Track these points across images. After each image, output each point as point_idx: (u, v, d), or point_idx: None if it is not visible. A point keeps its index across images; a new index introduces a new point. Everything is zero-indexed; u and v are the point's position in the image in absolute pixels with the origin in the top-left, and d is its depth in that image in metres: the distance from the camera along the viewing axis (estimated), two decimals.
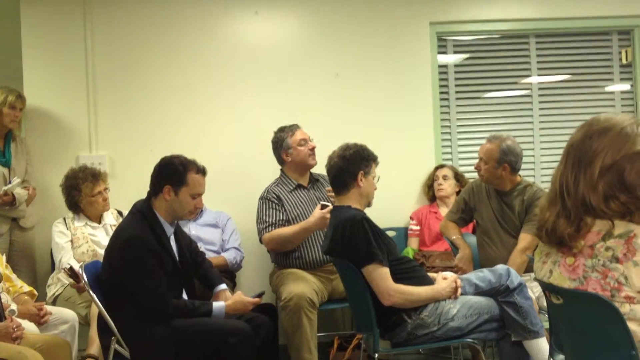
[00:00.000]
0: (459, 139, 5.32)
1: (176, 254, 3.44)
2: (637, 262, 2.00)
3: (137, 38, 4.96)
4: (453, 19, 5.23)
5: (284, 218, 4.24)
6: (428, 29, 5.17)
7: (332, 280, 4.21)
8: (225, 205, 4.76)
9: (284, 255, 4.26)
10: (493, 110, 5.36)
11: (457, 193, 4.79)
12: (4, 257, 3.81)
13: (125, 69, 4.95)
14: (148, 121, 4.95)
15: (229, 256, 4.48)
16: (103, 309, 3.17)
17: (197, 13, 4.99)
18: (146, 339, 3.18)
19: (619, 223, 2.06)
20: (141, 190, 3.50)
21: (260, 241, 4.31)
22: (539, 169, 5.32)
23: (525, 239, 3.95)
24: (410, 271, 3.38)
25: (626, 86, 5.41)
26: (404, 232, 5.02)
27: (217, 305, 3.37)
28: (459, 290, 3.32)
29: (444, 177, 4.93)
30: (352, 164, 3.44)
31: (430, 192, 5.03)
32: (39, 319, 3.51)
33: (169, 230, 3.42)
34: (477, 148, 4.27)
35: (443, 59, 5.29)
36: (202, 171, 3.44)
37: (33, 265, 4.64)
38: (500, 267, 3.42)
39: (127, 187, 4.52)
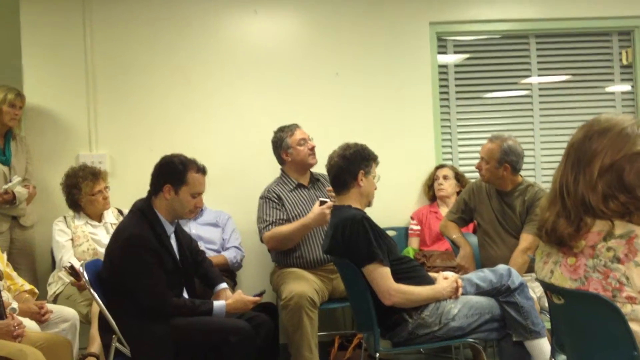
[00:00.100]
0: (459, 139, 5.31)
1: (177, 253, 3.44)
2: (638, 262, 2.01)
3: (137, 36, 4.96)
4: (453, 19, 5.23)
5: (284, 217, 4.25)
6: (428, 29, 5.16)
7: (333, 279, 4.21)
8: (226, 205, 4.76)
9: (285, 255, 4.26)
10: (493, 110, 5.36)
11: (458, 193, 4.79)
12: (4, 256, 3.81)
13: (125, 68, 4.95)
14: (148, 120, 4.95)
15: (230, 255, 4.48)
16: (104, 308, 3.17)
17: (197, 12, 4.99)
18: (147, 337, 3.18)
19: (619, 223, 2.06)
20: (141, 189, 3.49)
21: (261, 240, 4.31)
22: (540, 170, 5.32)
23: (526, 239, 3.96)
24: (410, 271, 3.38)
25: (627, 87, 5.41)
26: (404, 232, 5.02)
27: (218, 304, 3.37)
28: (460, 290, 3.33)
29: (445, 177, 4.93)
30: (353, 164, 3.44)
31: (431, 192, 5.03)
32: (40, 317, 3.50)
33: (170, 229, 3.43)
34: (478, 148, 4.27)
35: (443, 59, 5.29)
36: (202, 170, 3.45)
37: (33, 264, 4.64)
38: (501, 267, 3.42)
39: (128, 186, 4.51)
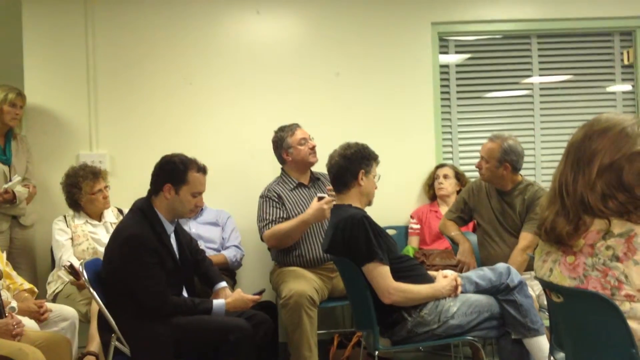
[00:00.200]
0: (460, 138, 5.31)
1: (176, 252, 3.44)
2: (637, 260, 2.01)
3: (138, 36, 4.97)
4: (455, 19, 5.22)
5: (284, 216, 4.25)
6: (430, 29, 5.16)
7: (333, 278, 4.21)
8: (226, 204, 4.77)
9: (285, 253, 4.26)
10: (494, 110, 5.35)
11: (458, 192, 4.79)
12: (4, 255, 3.81)
13: (126, 67, 4.95)
14: (149, 119, 4.95)
15: (229, 254, 4.48)
16: (103, 307, 3.17)
17: (198, 12, 5.00)
18: (146, 336, 3.18)
19: (618, 222, 2.06)
20: (141, 188, 3.49)
21: (262, 239, 4.31)
22: (540, 169, 5.31)
23: (525, 237, 3.96)
24: (410, 269, 3.38)
25: (628, 87, 5.40)
26: (404, 231, 5.02)
27: (217, 302, 3.37)
28: (459, 289, 3.33)
29: (445, 176, 4.93)
30: (353, 163, 3.45)
31: (431, 191, 5.03)
32: (39, 316, 3.51)
33: (169, 229, 3.42)
34: (478, 147, 4.27)
35: (444, 59, 5.29)
36: (202, 170, 3.44)
37: (33, 263, 4.64)
38: (501, 266, 3.43)
39: (128, 185, 4.51)
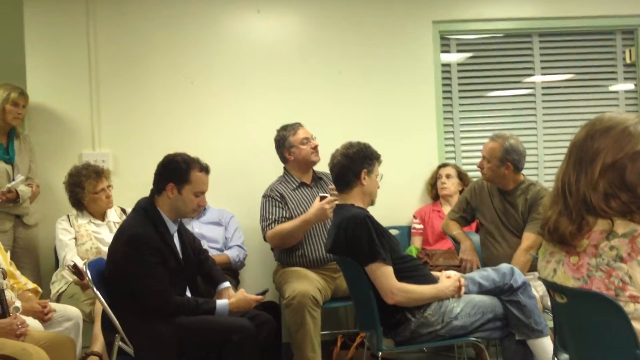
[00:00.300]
0: (462, 137, 5.31)
1: (179, 252, 3.44)
2: None
3: (140, 36, 4.97)
4: (456, 17, 5.22)
5: (287, 215, 4.25)
6: (431, 28, 5.16)
7: (336, 278, 4.21)
8: (229, 203, 4.77)
9: (288, 254, 4.26)
10: (496, 109, 5.35)
11: (461, 192, 4.79)
12: (8, 254, 3.82)
13: (128, 67, 4.96)
14: (151, 119, 4.95)
15: (232, 254, 4.49)
16: (107, 306, 3.18)
17: (199, 11, 5.00)
18: (150, 336, 3.18)
19: (621, 222, 2.06)
20: (144, 187, 3.50)
21: (264, 239, 4.31)
22: (542, 168, 5.31)
23: (529, 238, 3.96)
24: (413, 270, 3.38)
25: (630, 85, 5.39)
26: (407, 231, 5.02)
27: (221, 302, 3.37)
28: (463, 289, 3.33)
29: (447, 176, 4.93)
30: (355, 163, 3.44)
31: (434, 190, 5.03)
32: (43, 316, 3.51)
33: (172, 228, 3.43)
34: (480, 147, 4.27)
35: (446, 57, 5.29)
36: (205, 169, 3.45)
37: (37, 263, 4.64)
38: (504, 266, 3.42)
39: (131, 185, 4.50)
